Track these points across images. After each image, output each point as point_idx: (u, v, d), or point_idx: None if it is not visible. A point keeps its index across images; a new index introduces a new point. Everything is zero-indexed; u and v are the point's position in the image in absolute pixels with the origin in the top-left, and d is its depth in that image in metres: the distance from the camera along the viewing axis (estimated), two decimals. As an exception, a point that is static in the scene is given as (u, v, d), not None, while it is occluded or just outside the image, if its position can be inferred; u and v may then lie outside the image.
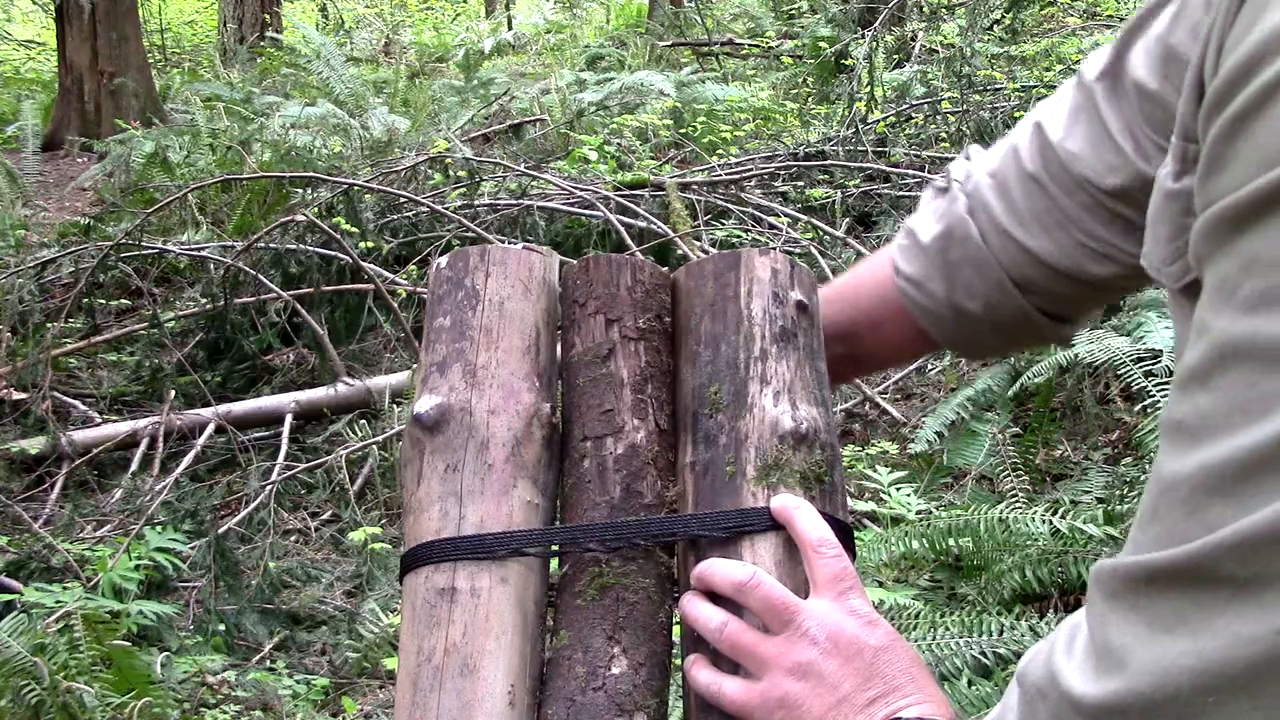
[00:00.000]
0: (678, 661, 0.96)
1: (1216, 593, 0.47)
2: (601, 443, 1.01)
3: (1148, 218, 0.68)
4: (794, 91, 8.94)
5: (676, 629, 0.98)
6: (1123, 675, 0.51)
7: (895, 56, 8.28)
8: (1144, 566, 0.51)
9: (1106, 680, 0.52)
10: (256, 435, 4.57)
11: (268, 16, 12.43)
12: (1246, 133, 0.48)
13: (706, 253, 4.90)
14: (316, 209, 5.32)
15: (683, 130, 7.68)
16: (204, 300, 5.21)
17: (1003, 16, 8.35)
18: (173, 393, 4.60)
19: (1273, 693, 0.46)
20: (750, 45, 10.52)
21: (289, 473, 4.20)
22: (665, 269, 1.11)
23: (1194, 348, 0.51)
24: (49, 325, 5.04)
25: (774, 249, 1.08)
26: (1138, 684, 0.50)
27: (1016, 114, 6.77)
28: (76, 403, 4.84)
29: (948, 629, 2.47)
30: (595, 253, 5.29)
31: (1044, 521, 2.78)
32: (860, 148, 6.50)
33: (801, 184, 6.29)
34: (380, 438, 4.27)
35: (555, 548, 0.99)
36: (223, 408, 4.55)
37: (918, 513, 3.21)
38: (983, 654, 2.40)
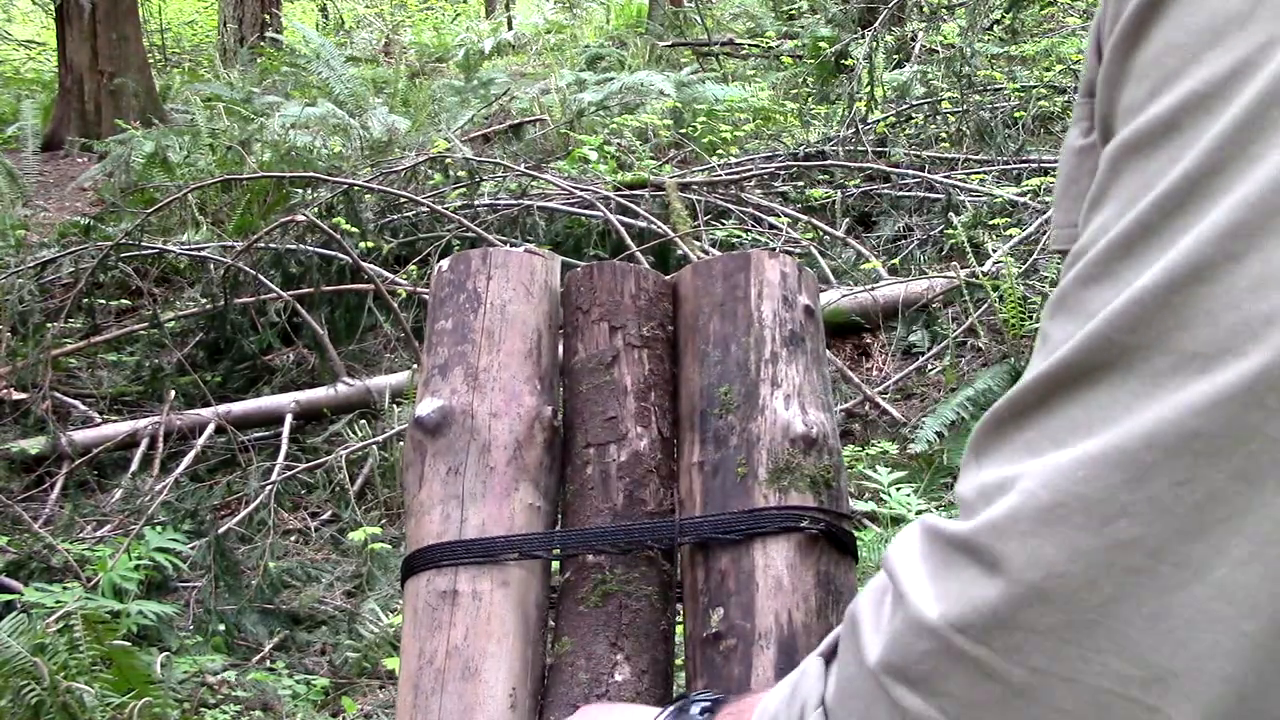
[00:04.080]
0: (679, 667, 0.96)
1: (1111, 376, 0.45)
2: (605, 450, 1.01)
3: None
4: (794, 91, 8.92)
5: (679, 635, 0.98)
6: (1015, 494, 0.46)
7: (895, 56, 8.27)
8: (1025, 390, 0.48)
9: (990, 509, 0.47)
10: (256, 435, 4.56)
11: (268, 17, 12.42)
12: (1140, 44, 0.48)
13: (707, 253, 4.90)
14: (316, 209, 5.32)
15: (683, 130, 7.67)
16: (204, 300, 5.20)
17: (1003, 16, 8.34)
18: (173, 393, 4.59)
19: (1187, 467, 0.43)
20: (750, 45, 10.50)
21: (289, 473, 4.19)
22: (667, 277, 1.10)
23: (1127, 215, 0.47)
24: (49, 325, 5.03)
25: (780, 253, 1.08)
26: (1031, 496, 0.45)
27: (1017, 114, 6.78)
28: (76, 403, 4.84)
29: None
30: (596, 254, 5.29)
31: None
32: (860, 148, 6.50)
33: (801, 184, 6.29)
34: (380, 438, 4.26)
35: (558, 551, 0.98)
36: (223, 408, 4.54)
37: (918, 513, 3.20)
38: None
